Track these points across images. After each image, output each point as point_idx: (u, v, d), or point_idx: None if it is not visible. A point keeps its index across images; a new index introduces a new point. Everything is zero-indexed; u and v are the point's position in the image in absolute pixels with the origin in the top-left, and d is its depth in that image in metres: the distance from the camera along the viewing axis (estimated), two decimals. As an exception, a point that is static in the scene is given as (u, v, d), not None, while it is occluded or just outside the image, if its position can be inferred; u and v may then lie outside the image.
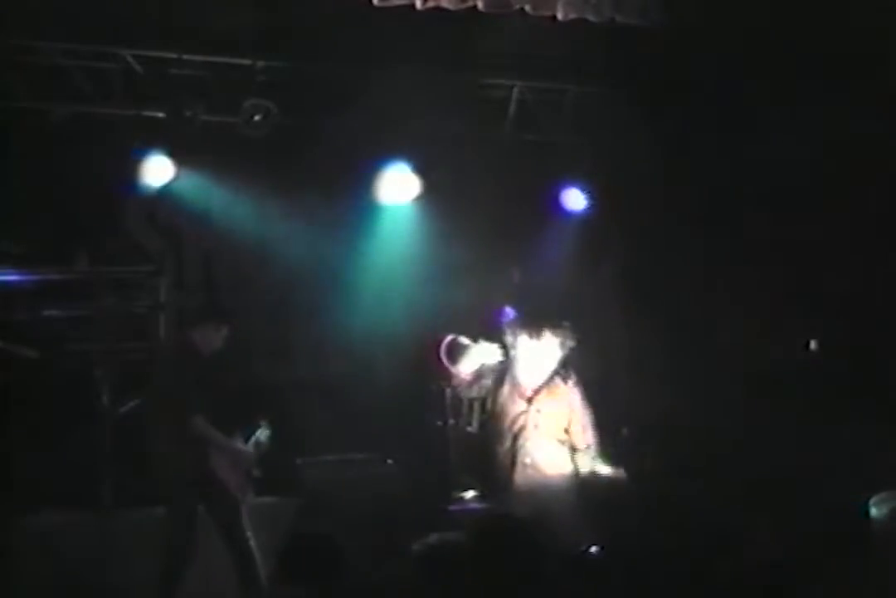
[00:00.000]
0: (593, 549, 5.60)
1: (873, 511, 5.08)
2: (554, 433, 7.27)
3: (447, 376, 7.58)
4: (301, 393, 8.94)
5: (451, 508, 8.10)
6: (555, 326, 7.28)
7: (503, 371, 7.37)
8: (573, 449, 7.28)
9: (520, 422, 7.27)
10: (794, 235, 8.64)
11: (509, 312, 7.73)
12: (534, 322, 7.32)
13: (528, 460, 7.24)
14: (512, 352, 7.33)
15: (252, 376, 8.91)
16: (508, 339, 7.33)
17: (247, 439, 7.31)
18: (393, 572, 5.02)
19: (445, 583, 4.36)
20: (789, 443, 8.31)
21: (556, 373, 7.33)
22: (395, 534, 6.80)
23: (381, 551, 6.90)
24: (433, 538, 4.49)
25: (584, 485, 7.26)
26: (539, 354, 7.26)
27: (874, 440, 7.71)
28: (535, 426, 7.25)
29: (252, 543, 7.05)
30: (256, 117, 8.29)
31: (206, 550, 7.07)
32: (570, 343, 7.29)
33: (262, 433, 7.41)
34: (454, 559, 4.39)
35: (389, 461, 8.31)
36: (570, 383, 7.35)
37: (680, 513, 7.13)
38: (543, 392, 7.29)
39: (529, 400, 7.28)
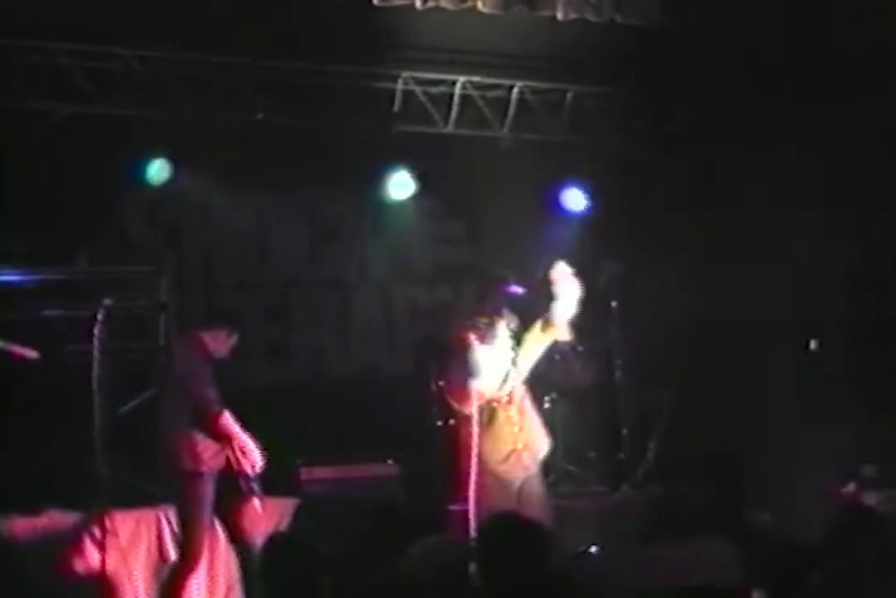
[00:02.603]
0: (593, 549, 5.62)
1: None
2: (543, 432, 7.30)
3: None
4: (301, 393, 8.94)
5: (451, 508, 8.10)
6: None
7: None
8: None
9: (514, 420, 7.30)
10: (795, 234, 8.64)
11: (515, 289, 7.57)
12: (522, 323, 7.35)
13: (525, 459, 7.26)
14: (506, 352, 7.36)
15: (252, 376, 8.91)
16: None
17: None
18: (393, 572, 5.03)
19: (445, 583, 4.36)
20: (790, 442, 8.32)
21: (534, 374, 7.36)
22: (395, 534, 6.80)
23: (381, 551, 6.92)
24: (433, 538, 4.49)
25: None
26: (528, 355, 7.31)
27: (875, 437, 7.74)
28: (528, 425, 7.29)
29: (252, 544, 7.03)
30: (256, 117, 8.30)
31: (207, 550, 7.06)
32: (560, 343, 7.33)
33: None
34: (454, 560, 4.40)
35: (389, 461, 8.31)
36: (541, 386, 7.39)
37: (681, 513, 7.15)
38: (528, 393, 7.34)
39: (522, 400, 7.31)
